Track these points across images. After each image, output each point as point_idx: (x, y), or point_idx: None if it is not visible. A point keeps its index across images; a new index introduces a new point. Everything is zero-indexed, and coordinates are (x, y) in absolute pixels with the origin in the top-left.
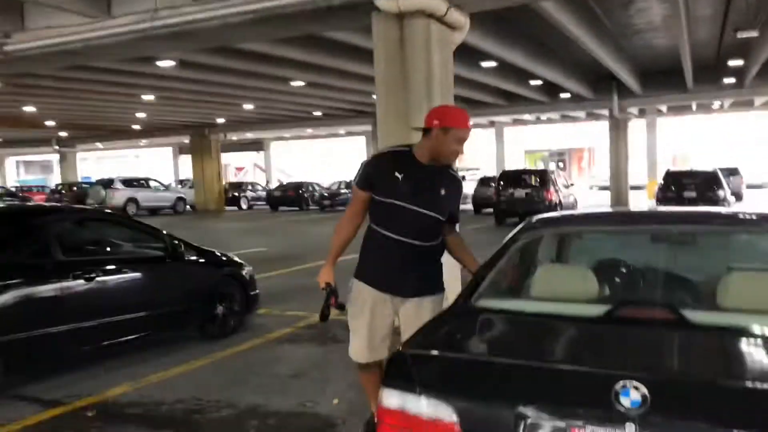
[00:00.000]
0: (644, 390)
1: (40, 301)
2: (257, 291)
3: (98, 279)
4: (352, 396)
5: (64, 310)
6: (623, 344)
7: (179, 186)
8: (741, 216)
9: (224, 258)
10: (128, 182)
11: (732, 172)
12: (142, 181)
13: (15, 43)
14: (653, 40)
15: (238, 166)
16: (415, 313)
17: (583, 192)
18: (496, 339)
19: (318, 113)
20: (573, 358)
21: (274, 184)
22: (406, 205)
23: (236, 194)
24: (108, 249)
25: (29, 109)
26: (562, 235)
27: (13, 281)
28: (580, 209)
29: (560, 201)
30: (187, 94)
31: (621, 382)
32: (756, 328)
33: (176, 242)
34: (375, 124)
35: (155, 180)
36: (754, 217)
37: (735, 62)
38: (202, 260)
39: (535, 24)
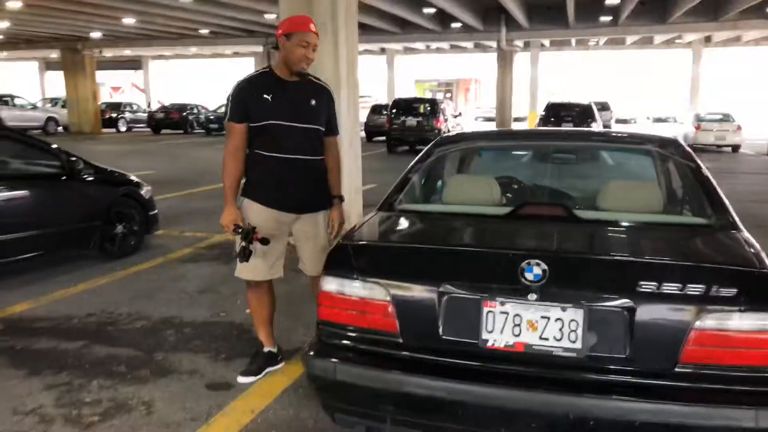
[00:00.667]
0: (544, 266)
1: None
2: (156, 211)
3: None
4: None
5: None
6: (526, 233)
7: (49, 105)
8: (612, 134)
9: (122, 177)
10: None
11: (604, 106)
12: (6, 98)
13: None
14: None
15: (114, 86)
16: (312, 229)
17: (469, 122)
18: (419, 232)
19: (204, 31)
20: (485, 244)
21: (154, 106)
22: (283, 123)
23: (114, 115)
24: (6, 165)
25: None
26: (466, 151)
27: None
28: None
29: (449, 130)
30: (58, 2)
31: (526, 261)
32: (625, 221)
33: (73, 159)
34: (266, 44)
35: (20, 97)
36: (623, 135)
37: (612, 1)
38: (100, 178)
39: None
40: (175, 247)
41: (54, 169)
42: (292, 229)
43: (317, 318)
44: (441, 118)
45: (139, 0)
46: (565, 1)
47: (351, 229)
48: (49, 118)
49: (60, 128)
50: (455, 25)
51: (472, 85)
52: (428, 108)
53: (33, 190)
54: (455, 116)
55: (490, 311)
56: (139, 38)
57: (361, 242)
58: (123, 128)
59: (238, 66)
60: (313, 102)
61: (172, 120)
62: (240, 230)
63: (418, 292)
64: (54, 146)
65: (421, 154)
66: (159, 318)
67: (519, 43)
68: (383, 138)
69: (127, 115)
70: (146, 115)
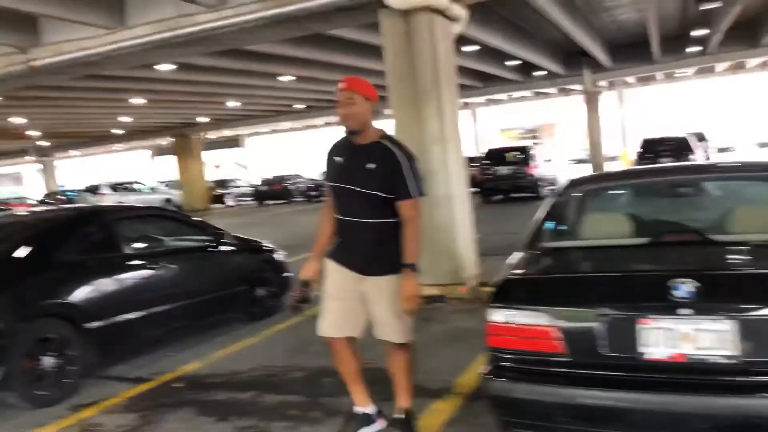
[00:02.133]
0: (694, 283)
1: (115, 290)
2: (291, 274)
3: (161, 268)
4: None
5: (136, 297)
6: (669, 257)
7: (164, 187)
8: (729, 165)
9: (259, 244)
10: (115, 187)
11: (700, 137)
12: (127, 185)
13: (39, 58)
14: (621, 15)
15: (216, 164)
16: (376, 294)
17: (560, 166)
18: (570, 264)
19: (300, 106)
20: (635, 268)
21: (254, 180)
22: (340, 185)
23: (221, 191)
24: (165, 241)
25: (18, 120)
26: (595, 191)
27: (93, 275)
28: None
29: (542, 176)
30: (176, 95)
31: (675, 279)
32: (757, 241)
33: (219, 231)
34: None
35: (140, 183)
36: (739, 165)
37: (698, 32)
38: (241, 247)
39: (512, 7)
40: (309, 306)
41: (204, 242)
42: (361, 290)
43: (488, 345)
44: (533, 164)
45: (243, 84)
46: (648, 38)
47: (508, 267)
48: (166, 199)
49: (174, 207)
50: (538, 73)
51: (557, 129)
52: (520, 156)
53: (195, 260)
54: (547, 161)
55: (646, 328)
56: (240, 118)
57: (522, 276)
58: (230, 202)
59: (329, 135)
60: (371, 166)
61: (275, 191)
62: (308, 289)
63: (579, 315)
64: (201, 221)
65: (554, 197)
66: (314, 368)
67: (603, 83)
68: (475, 189)
69: (233, 190)
70: (249, 188)
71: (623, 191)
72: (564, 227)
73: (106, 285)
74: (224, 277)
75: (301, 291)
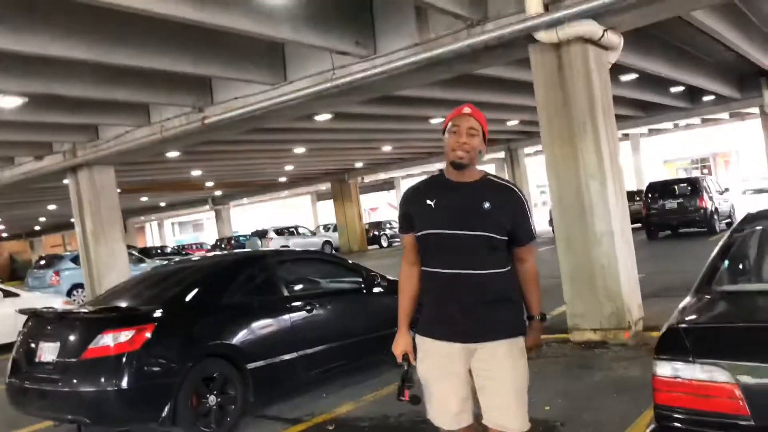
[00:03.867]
0: None
1: (274, 332)
2: None
3: (317, 310)
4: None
5: (294, 338)
6: None
7: (322, 231)
8: None
9: None
10: (280, 231)
11: None
12: (292, 229)
13: (211, 115)
14: None
15: (372, 207)
16: (491, 365)
17: (737, 197)
18: (755, 310)
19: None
20: None
21: None
22: (444, 231)
23: (377, 233)
24: (322, 283)
25: (196, 173)
26: None
27: (255, 317)
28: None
29: (716, 209)
30: (334, 143)
31: None
32: None
33: (372, 273)
34: (508, 150)
35: (303, 227)
36: None
37: None
38: (392, 288)
39: (673, 30)
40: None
41: (358, 284)
42: (471, 365)
43: (654, 402)
44: (705, 196)
45: (395, 129)
46: None
47: (676, 313)
48: (325, 242)
49: (333, 250)
50: (707, 98)
51: (732, 157)
52: (688, 188)
53: (349, 302)
54: (721, 192)
55: None
56: (394, 161)
57: (693, 324)
58: (385, 243)
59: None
60: (487, 205)
61: None
62: (405, 365)
63: (765, 371)
64: (355, 263)
65: (729, 234)
66: None
67: None
68: (638, 225)
69: (388, 231)
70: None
71: None
72: (742, 268)
73: (266, 326)
74: (374, 318)
75: (407, 391)
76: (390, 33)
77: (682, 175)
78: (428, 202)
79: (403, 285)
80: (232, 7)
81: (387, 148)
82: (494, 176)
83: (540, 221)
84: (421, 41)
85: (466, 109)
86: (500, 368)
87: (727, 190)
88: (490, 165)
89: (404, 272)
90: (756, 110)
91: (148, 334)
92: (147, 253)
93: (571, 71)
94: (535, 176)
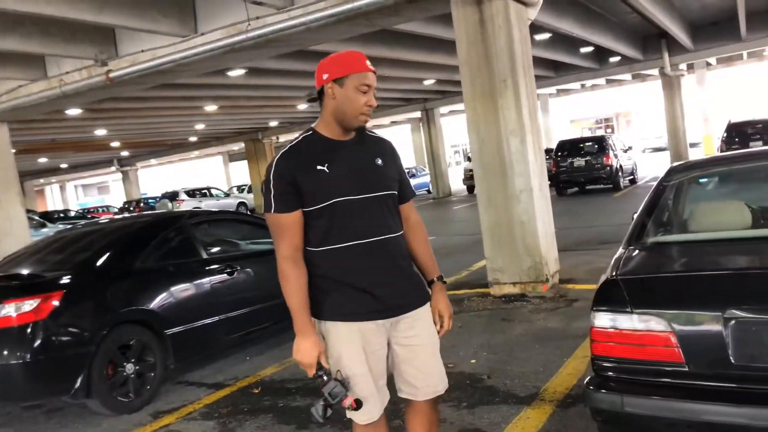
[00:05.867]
0: None
1: (193, 295)
2: None
3: (238, 273)
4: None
5: (214, 302)
6: None
7: (236, 191)
8: None
9: None
10: (191, 193)
11: None
12: (204, 191)
13: (116, 69)
14: None
15: None
16: (418, 331)
17: (637, 155)
18: (686, 260)
19: None
20: (761, 264)
21: None
22: (352, 198)
23: None
24: (241, 245)
25: (100, 132)
26: (697, 178)
27: (172, 280)
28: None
29: (621, 166)
30: (248, 100)
31: None
32: None
33: None
34: (424, 110)
35: (216, 188)
36: None
37: None
38: None
39: None
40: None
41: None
42: (390, 340)
43: (592, 354)
44: (611, 154)
45: (311, 86)
46: (735, 14)
47: (612, 265)
48: (240, 203)
49: (248, 211)
50: (613, 59)
51: (633, 117)
52: (595, 146)
53: (267, 264)
54: (625, 150)
55: None
56: (310, 120)
57: (629, 275)
58: None
59: (396, 133)
60: (379, 161)
61: None
62: (323, 376)
63: (701, 319)
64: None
65: (655, 187)
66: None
67: (683, 66)
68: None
69: None
70: None
71: (730, 177)
72: (669, 219)
73: (184, 290)
74: None
75: (350, 398)
76: None
77: (587, 134)
78: (320, 167)
79: (293, 275)
80: None
81: (303, 106)
82: (366, 129)
83: (455, 180)
84: None
85: (368, 63)
86: (428, 333)
87: (630, 148)
88: (405, 125)
89: (290, 260)
90: (656, 72)
91: (55, 302)
92: (49, 217)
93: (493, 26)
94: (450, 136)
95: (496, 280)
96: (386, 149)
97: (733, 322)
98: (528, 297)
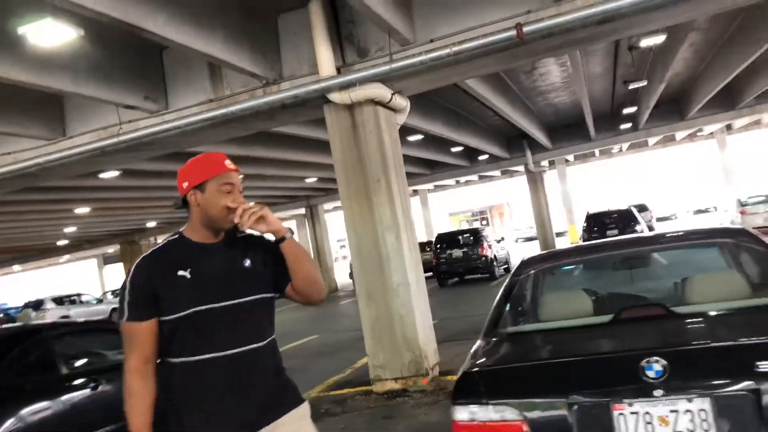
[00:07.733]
0: (663, 361)
1: (51, 415)
2: None
3: (103, 386)
4: None
5: (75, 421)
6: (635, 335)
7: (111, 296)
8: (679, 234)
9: None
10: (59, 300)
11: (642, 207)
12: (74, 297)
13: None
14: (556, 98)
15: None
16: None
17: (510, 245)
18: (534, 350)
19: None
20: (601, 350)
21: None
22: (214, 306)
23: None
24: (107, 356)
25: None
26: (548, 270)
27: (27, 400)
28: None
29: (495, 256)
30: (123, 202)
31: (645, 360)
32: (720, 309)
33: None
34: (308, 206)
35: (87, 294)
36: (689, 233)
37: (629, 110)
38: None
39: (451, 96)
40: None
41: None
42: None
43: None
44: (485, 244)
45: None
46: (583, 118)
47: (469, 357)
48: (113, 309)
49: None
50: (482, 157)
51: (505, 209)
52: (471, 238)
53: None
54: (498, 241)
55: (620, 414)
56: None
57: (484, 368)
58: None
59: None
60: (247, 262)
61: None
62: None
63: (548, 406)
64: None
65: (508, 279)
66: None
67: (545, 163)
68: (430, 274)
69: None
70: None
71: (577, 267)
72: (522, 310)
73: (41, 410)
74: None
75: None
76: (182, 88)
77: (465, 226)
78: (181, 273)
79: (138, 389)
80: (2, 53)
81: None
82: (238, 230)
83: (341, 275)
84: (215, 98)
85: (228, 162)
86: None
87: (503, 239)
88: (291, 222)
89: (137, 374)
90: (522, 168)
91: None
92: None
93: (365, 130)
94: (335, 231)
95: (378, 377)
96: (257, 246)
97: (576, 406)
98: (410, 392)
